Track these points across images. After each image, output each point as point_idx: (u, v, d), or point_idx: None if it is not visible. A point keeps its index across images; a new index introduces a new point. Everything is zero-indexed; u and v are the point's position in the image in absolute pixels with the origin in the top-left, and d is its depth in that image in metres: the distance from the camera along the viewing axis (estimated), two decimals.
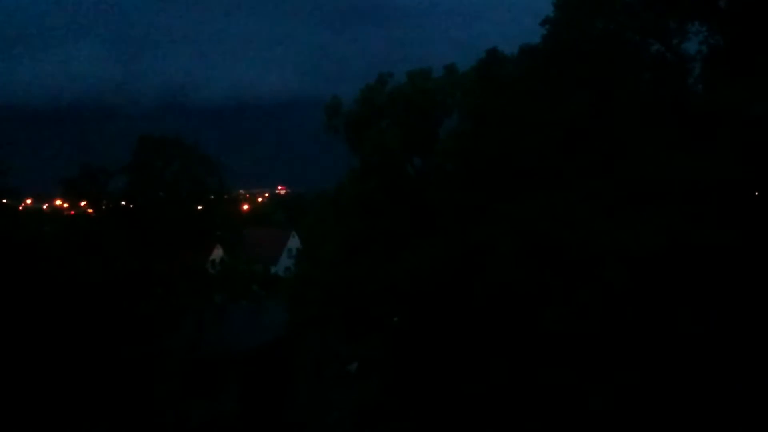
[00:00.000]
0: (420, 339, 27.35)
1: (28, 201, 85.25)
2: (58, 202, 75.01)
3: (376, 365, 31.23)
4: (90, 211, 57.06)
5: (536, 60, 27.18)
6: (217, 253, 66.69)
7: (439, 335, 25.98)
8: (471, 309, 23.62)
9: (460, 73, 34.61)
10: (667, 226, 18.62)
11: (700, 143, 20.61)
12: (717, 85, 22.50)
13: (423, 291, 26.25)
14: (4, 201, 38.94)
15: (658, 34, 25.38)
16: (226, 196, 65.47)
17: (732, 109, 19.88)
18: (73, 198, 58.98)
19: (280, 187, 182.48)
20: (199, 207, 61.05)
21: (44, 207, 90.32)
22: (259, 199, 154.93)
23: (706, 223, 18.31)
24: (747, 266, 18.52)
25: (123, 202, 57.47)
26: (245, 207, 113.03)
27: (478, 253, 23.35)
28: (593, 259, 19.82)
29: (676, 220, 18.74)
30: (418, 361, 27.13)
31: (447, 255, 25.16)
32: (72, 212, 60.90)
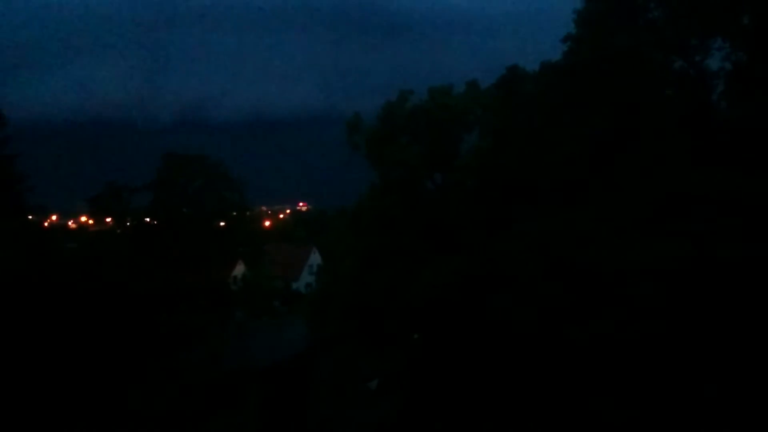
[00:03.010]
0: (440, 355, 27.24)
1: (54, 217, 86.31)
2: (84, 219, 76.05)
3: (397, 382, 31.10)
4: (110, 226, 57.83)
5: (557, 76, 27.17)
6: (239, 269, 67.13)
7: (459, 352, 25.87)
8: (491, 326, 23.51)
9: (481, 90, 34.64)
10: (691, 242, 18.45)
11: (723, 159, 20.45)
12: (740, 101, 22.34)
13: (443, 307, 26.17)
14: (30, 217, 39.52)
15: (681, 51, 25.29)
16: (248, 213, 66.03)
17: (755, 124, 19.73)
18: (98, 215, 59.89)
19: (301, 204, 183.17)
20: (222, 223, 61.61)
21: (70, 223, 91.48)
22: (281, 216, 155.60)
23: (731, 238, 18.12)
24: None
25: (147, 219, 58.21)
26: (267, 223, 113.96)
27: (499, 269, 23.27)
28: (617, 276, 19.67)
29: (700, 235, 18.57)
30: (438, 378, 27.01)
31: (467, 271, 25.09)
32: (97, 228, 61.76)
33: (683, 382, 18.56)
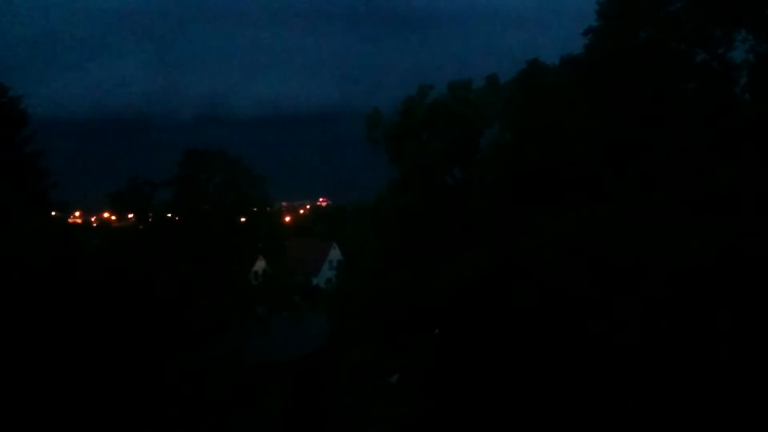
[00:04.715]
0: (461, 351, 27.22)
1: (77, 213, 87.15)
2: (106, 215, 76.88)
3: (418, 377, 31.12)
4: (132, 222, 58.47)
5: (578, 70, 26.95)
6: (260, 264, 67.56)
7: (480, 347, 25.82)
8: (512, 321, 23.43)
9: (501, 84, 34.49)
10: (713, 237, 18.24)
11: (746, 153, 20.19)
12: (764, 93, 22.03)
13: (463, 302, 26.13)
14: (54, 213, 39.96)
15: (704, 43, 24.96)
16: (268, 208, 66.39)
17: None
18: (120, 210, 60.49)
19: (321, 199, 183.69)
20: (242, 219, 62.02)
21: (92, 219, 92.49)
22: (301, 211, 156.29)
23: (753, 233, 17.89)
24: None
25: (168, 215, 58.71)
26: (287, 219, 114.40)
27: (519, 264, 23.18)
28: (637, 271, 19.51)
29: (722, 230, 18.35)
30: (459, 374, 26.99)
31: (487, 266, 25.02)
32: (119, 224, 62.43)
33: (700, 380, 18.38)
